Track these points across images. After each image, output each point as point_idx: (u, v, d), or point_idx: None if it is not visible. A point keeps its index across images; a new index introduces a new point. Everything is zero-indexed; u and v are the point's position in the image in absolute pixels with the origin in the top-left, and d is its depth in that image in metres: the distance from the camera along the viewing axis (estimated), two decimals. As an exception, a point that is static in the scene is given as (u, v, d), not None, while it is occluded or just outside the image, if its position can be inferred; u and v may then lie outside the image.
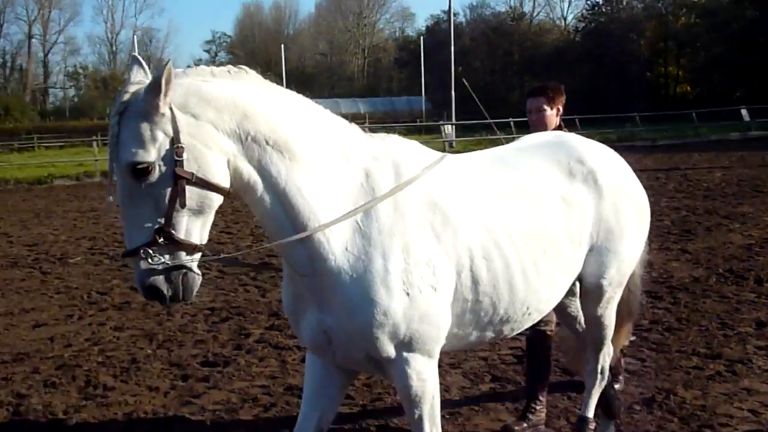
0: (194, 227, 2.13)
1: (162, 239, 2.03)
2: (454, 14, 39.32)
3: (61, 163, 24.63)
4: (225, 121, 2.13)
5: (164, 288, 2.08)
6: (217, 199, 2.15)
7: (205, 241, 2.15)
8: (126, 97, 2.03)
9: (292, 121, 2.26)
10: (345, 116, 2.58)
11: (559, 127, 3.85)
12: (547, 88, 3.93)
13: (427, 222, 2.38)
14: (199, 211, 2.12)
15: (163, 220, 2.03)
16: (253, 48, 72.01)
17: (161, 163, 2.02)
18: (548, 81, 4.51)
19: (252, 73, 2.28)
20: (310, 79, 65.16)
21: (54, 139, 34.49)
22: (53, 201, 16.18)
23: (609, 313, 3.11)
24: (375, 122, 33.36)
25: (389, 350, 2.34)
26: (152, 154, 2.01)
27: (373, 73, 75.06)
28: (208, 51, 78.96)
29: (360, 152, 2.40)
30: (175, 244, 2.08)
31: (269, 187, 2.21)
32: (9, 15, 63.49)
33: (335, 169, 2.31)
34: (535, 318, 2.80)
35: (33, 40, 65.94)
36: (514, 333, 2.85)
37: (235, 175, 2.16)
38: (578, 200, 2.80)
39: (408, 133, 25.25)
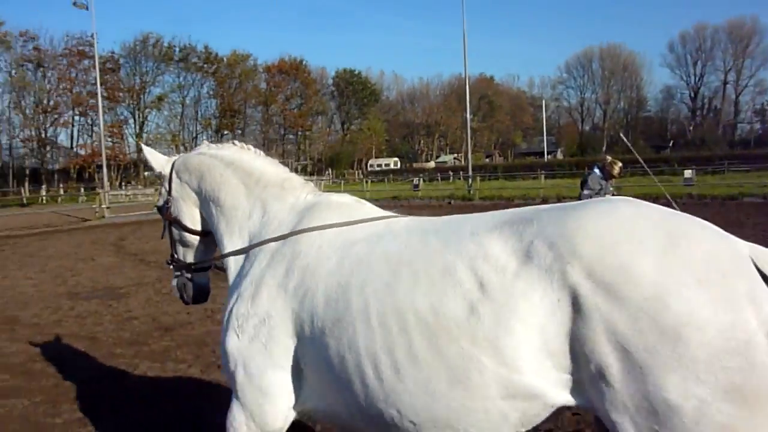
0: (187, 253, 2.93)
1: (171, 260, 2.98)
2: None
3: (748, 183, 28.09)
4: (192, 182, 2.82)
5: (177, 293, 2.96)
6: (191, 237, 2.88)
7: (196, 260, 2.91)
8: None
9: (227, 183, 2.70)
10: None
11: None
12: None
13: (282, 281, 2.27)
14: (184, 244, 2.92)
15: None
16: None
17: (163, 208, 2.93)
18: None
19: (238, 145, 2.87)
20: None
21: (741, 164, 39.01)
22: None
23: None
24: None
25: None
26: (160, 201, 2.96)
27: None
28: None
29: (278, 204, 2.59)
30: (177, 263, 2.95)
31: (211, 227, 2.82)
32: (709, 68, 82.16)
33: (248, 217, 2.63)
34: None
35: (727, 85, 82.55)
36: None
37: (202, 219, 2.86)
38: (511, 293, 1.81)
39: None
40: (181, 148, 71.94)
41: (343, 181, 54.89)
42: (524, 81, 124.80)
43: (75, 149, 64.19)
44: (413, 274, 2.02)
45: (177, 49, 69.07)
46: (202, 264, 2.92)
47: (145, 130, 67.96)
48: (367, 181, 41.91)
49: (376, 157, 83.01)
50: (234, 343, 2.31)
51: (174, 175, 2.89)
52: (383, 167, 74.22)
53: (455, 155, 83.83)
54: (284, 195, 2.64)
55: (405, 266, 2.05)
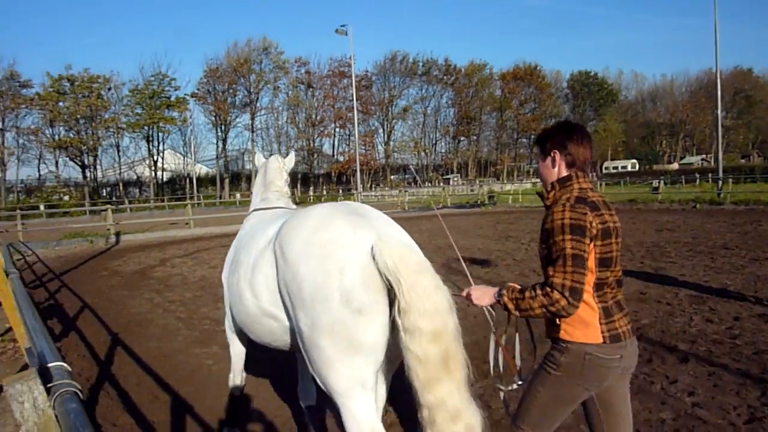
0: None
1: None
2: None
3: None
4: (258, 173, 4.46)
5: None
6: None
7: None
8: None
9: (257, 178, 4.36)
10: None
11: (566, 180, 2.51)
12: (541, 134, 2.66)
13: (235, 241, 3.67)
14: None
15: None
16: None
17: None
18: None
19: (279, 159, 4.39)
20: None
21: None
22: None
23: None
24: None
25: None
26: None
27: None
28: None
29: (261, 195, 4.18)
30: None
31: None
32: None
33: (258, 198, 4.19)
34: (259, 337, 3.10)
35: None
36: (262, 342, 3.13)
37: None
38: (261, 255, 2.91)
39: None
40: (422, 153, 75.74)
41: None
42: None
43: (335, 156, 71.49)
44: (251, 239, 3.23)
45: (420, 64, 72.76)
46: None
47: (392, 139, 72.90)
48: (601, 184, 39.32)
49: (612, 159, 77.64)
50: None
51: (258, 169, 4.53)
52: (619, 169, 69.12)
53: (703, 156, 74.46)
54: (268, 193, 4.18)
55: (251, 235, 3.29)
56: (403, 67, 72.01)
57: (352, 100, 45.05)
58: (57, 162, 57.07)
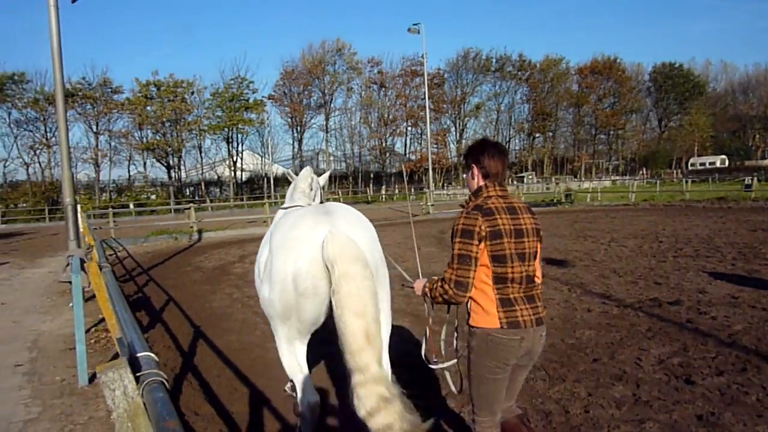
0: None
1: None
2: None
3: None
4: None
5: None
6: None
7: None
8: None
9: (291, 184, 4.77)
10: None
11: (479, 190, 2.95)
12: (465, 151, 3.13)
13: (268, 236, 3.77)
14: None
15: None
16: None
17: None
18: None
19: (309, 169, 4.76)
20: None
21: None
22: None
23: None
24: None
25: None
26: None
27: None
28: None
29: (290, 196, 4.61)
30: None
31: None
32: None
33: (288, 196, 4.71)
34: None
35: None
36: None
37: None
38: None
39: None
40: (495, 151, 74.48)
41: (658, 181, 49.83)
42: None
43: (407, 155, 71.65)
44: (264, 241, 3.79)
45: (494, 60, 71.59)
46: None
47: (464, 137, 72.13)
48: (686, 181, 37.18)
49: (698, 155, 73.40)
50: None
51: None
52: (707, 166, 65.18)
53: (802, 150, 68.97)
54: (295, 194, 4.57)
55: (278, 227, 3.62)
56: (476, 64, 71.09)
57: (424, 98, 44.97)
58: (145, 163, 60.36)
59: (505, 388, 2.94)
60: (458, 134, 71.80)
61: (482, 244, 2.79)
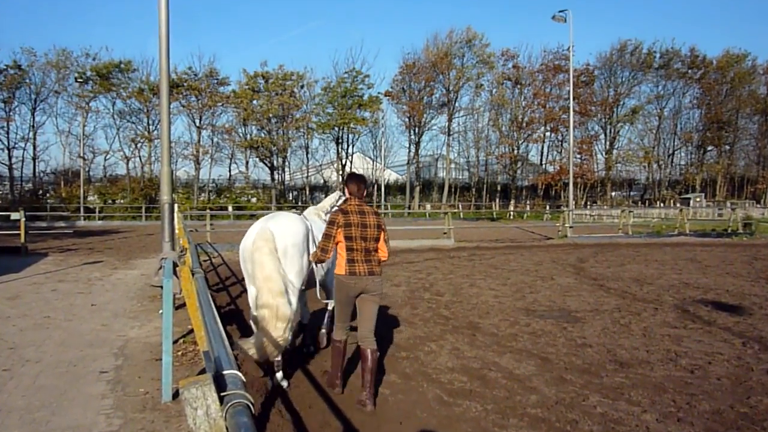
0: None
1: None
2: None
3: None
4: None
5: None
6: None
7: None
8: None
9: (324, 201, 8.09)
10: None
11: (345, 201, 6.45)
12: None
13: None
14: None
15: None
16: None
17: None
18: None
19: (338, 192, 8.04)
20: None
21: None
22: None
23: None
24: None
25: None
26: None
27: None
28: None
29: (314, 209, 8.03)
30: None
31: None
32: None
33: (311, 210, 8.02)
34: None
35: None
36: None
37: None
38: None
39: None
40: (654, 166, 70.94)
41: None
42: None
43: (543, 166, 70.08)
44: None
45: (658, 55, 68.33)
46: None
47: (616, 146, 69.28)
48: None
49: None
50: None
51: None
52: None
53: None
54: (318, 209, 7.86)
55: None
56: (635, 59, 68.20)
57: (568, 98, 43.77)
58: (247, 162, 63.91)
59: (350, 309, 6.09)
60: (608, 143, 69.10)
61: (339, 229, 5.82)
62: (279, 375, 6.40)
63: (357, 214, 5.84)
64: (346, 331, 6.20)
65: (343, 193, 6.52)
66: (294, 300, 6.19)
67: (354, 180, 6.12)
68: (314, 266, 6.65)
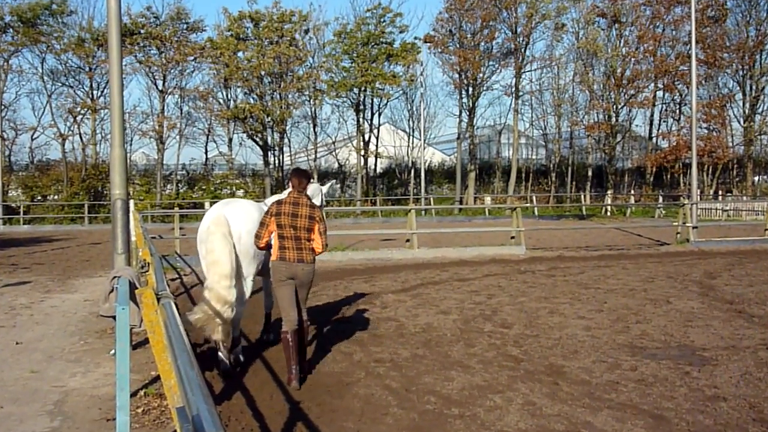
0: None
1: None
2: None
3: None
4: None
5: None
6: None
7: None
8: None
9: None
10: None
11: (288, 192, 9.47)
12: None
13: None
14: None
15: None
16: None
17: None
18: None
19: (315, 182, 11.61)
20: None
21: None
22: None
23: None
24: None
25: None
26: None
27: None
28: None
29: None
30: None
31: None
32: None
33: None
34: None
35: None
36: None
37: None
38: None
39: None
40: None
41: None
42: None
43: (654, 140, 69.14)
44: None
45: (820, -23, 67.08)
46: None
47: (759, 110, 67.93)
48: None
49: None
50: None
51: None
52: None
53: None
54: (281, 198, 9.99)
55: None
56: (787, -16, 67.12)
57: (689, 42, 43.18)
58: (230, 140, 64.00)
59: (291, 295, 9.03)
60: (747, 106, 67.75)
61: (272, 218, 8.87)
62: (221, 354, 9.36)
63: (291, 204, 8.90)
64: (293, 321, 8.95)
65: (289, 185, 9.40)
66: (244, 285, 9.79)
67: (296, 174, 9.28)
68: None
